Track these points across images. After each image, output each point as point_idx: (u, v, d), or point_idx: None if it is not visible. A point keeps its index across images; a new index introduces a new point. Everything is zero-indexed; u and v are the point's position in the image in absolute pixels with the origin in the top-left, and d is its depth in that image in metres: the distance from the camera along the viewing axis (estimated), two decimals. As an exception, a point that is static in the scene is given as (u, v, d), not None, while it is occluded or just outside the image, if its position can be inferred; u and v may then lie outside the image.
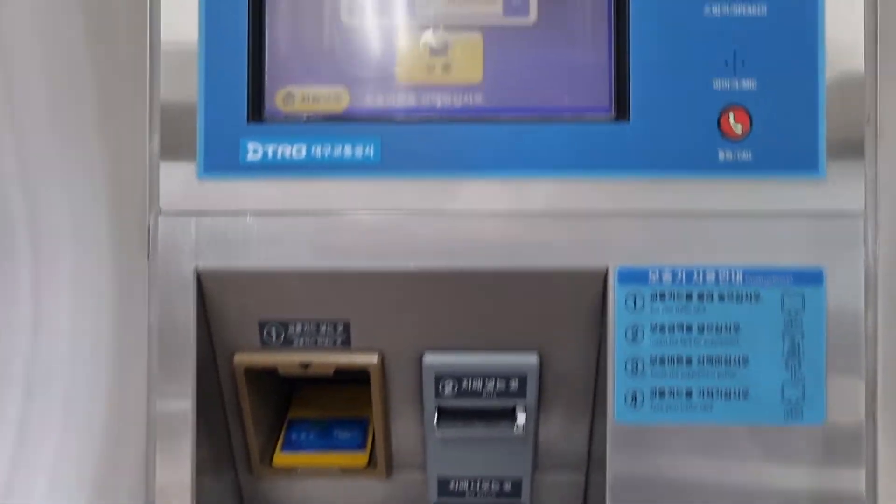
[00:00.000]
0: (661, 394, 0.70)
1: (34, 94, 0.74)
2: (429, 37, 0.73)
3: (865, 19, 0.71)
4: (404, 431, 0.81)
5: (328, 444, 0.84)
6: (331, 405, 0.88)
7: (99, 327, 0.73)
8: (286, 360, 0.76)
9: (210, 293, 0.73)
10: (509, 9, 0.73)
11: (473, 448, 0.79)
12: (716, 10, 0.71)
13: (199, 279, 0.72)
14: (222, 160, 0.72)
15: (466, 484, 0.82)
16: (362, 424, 0.85)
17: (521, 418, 0.75)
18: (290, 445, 0.84)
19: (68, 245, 0.74)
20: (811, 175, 0.71)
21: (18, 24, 0.73)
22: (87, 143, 0.74)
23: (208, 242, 0.72)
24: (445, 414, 0.76)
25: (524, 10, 0.73)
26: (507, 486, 0.82)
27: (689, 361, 0.71)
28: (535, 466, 0.82)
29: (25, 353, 0.74)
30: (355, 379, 0.80)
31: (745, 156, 0.71)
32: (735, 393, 0.70)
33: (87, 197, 0.74)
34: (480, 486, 0.82)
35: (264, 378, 0.80)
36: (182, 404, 0.73)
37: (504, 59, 0.73)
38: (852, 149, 0.70)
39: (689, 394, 0.70)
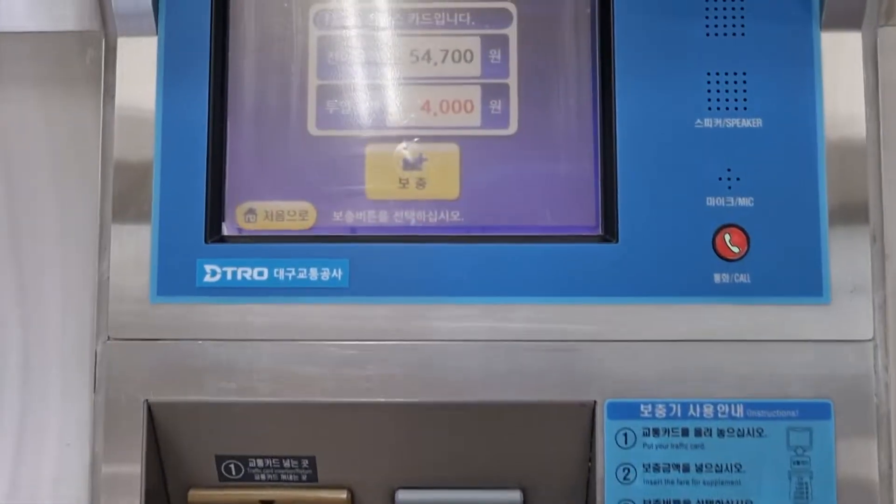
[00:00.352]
0: (657, 541, 0.64)
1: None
2: (402, 149, 0.68)
3: (868, 130, 0.67)
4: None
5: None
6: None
7: (39, 469, 0.67)
8: (247, 497, 0.70)
9: (163, 426, 0.67)
10: (488, 120, 0.68)
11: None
12: (708, 122, 0.67)
13: (150, 411, 0.66)
14: (177, 283, 0.66)
15: None
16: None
17: (501, 561, 0.69)
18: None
19: (14, 384, 0.68)
20: (815, 299, 0.65)
21: None
22: (35, 263, 0.68)
23: (161, 372, 0.66)
24: (420, 556, 0.70)
25: (504, 122, 0.68)
26: None
27: (686, 504, 0.64)
28: None
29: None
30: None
31: (743, 278, 0.65)
32: (738, 540, 0.64)
33: (36, 324, 0.68)
34: None
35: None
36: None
37: (482, 174, 0.68)
38: (858, 271, 0.65)
39: (687, 541, 0.64)
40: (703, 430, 0.65)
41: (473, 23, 0.70)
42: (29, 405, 0.67)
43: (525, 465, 0.68)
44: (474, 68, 0.69)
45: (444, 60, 0.69)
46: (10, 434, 0.67)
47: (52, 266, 0.68)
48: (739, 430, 0.65)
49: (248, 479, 0.69)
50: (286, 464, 0.68)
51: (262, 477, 0.69)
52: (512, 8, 0.69)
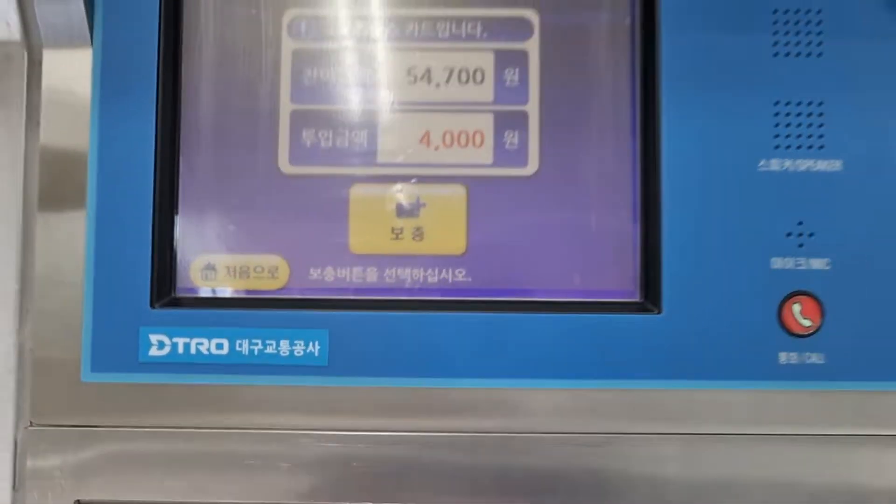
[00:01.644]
0: None
1: None
2: (396, 192, 0.55)
3: (972, 177, 0.54)
4: None
5: None
6: None
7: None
8: None
9: (98, 533, 0.54)
10: (502, 156, 0.55)
11: None
12: (776, 163, 0.54)
13: (82, 516, 0.53)
14: (116, 356, 0.54)
15: None
16: None
17: None
18: None
19: None
20: (902, 384, 0.53)
21: None
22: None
23: (92, 468, 0.53)
24: None
25: (521, 159, 0.55)
26: None
27: None
28: None
29: None
30: None
31: (816, 358, 0.53)
32: None
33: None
34: None
35: None
36: None
37: (494, 224, 0.55)
38: (956, 350, 0.53)
39: None
40: (765, 549, 0.53)
41: (485, 35, 0.56)
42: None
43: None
44: (486, 92, 0.56)
45: (448, 81, 0.56)
46: None
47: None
48: (811, 546, 0.53)
49: None
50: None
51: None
52: (533, 17, 0.56)
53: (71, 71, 0.55)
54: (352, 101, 0.56)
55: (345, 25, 0.56)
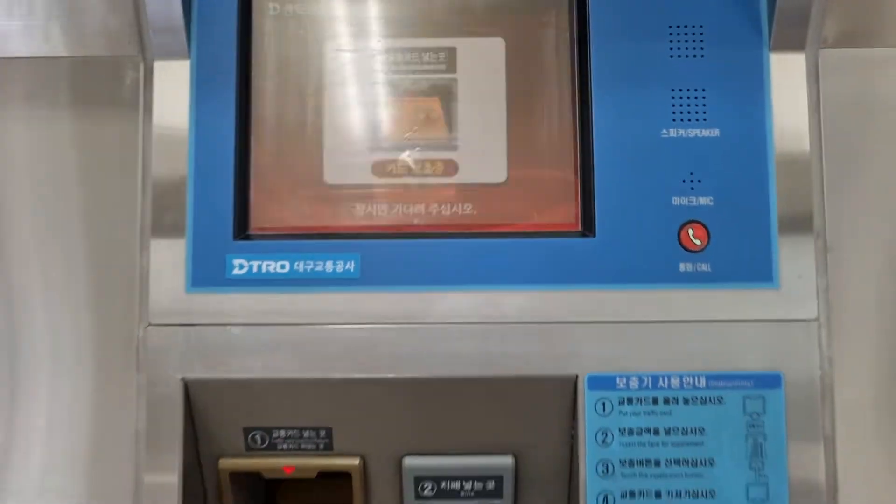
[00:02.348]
0: (632, 495, 0.74)
1: (22, 223, 0.77)
2: (406, 157, 0.78)
3: (811, 139, 0.77)
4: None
5: (311, 543, 0.86)
6: (313, 500, 0.90)
7: (77, 440, 0.76)
8: (270, 464, 0.79)
9: (196, 401, 0.76)
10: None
11: (453, 549, 0.81)
12: (672, 131, 0.77)
13: (187, 388, 0.75)
14: (209, 275, 0.76)
15: (447, 585, 0.84)
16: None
17: (497, 519, 0.78)
18: (272, 547, 0.85)
19: (46, 361, 0.76)
20: (766, 285, 0.75)
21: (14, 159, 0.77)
22: (74, 264, 0.77)
23: (195, 353, 0.75)
24: (425, 514, 0.79)
25: (498, 168, 0.78)
26: (486, 586, 0.84)
27: (657, 463, 0.74)
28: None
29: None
30: (338, 474, 0.83)
31: (704, 267, 0.75)
32: (702, 493, 0.74)
33: (70, 313, 0.77)
34: (460, 587, 0.84)
35: (248, 480, 0.82)
36: (168, 512, 0.75)
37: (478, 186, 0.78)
38: (804, 261, 0.75)
39: (658, 495, 0.74)
40: (670, 399, 0.74)
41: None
42: (72, 385, 0.76)
43: (516, 433, 0.77)
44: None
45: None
46: (45, 407, 0.76)
47: (93, 260, 0.77)
48: (702, 398, 0.74)
49: (271, 449, 0.78)
50: (305, 434, 0.78)
51: (284, 446, 0.78)
52: (499, 47, 0.80)
53: (174, 76, 0.78)
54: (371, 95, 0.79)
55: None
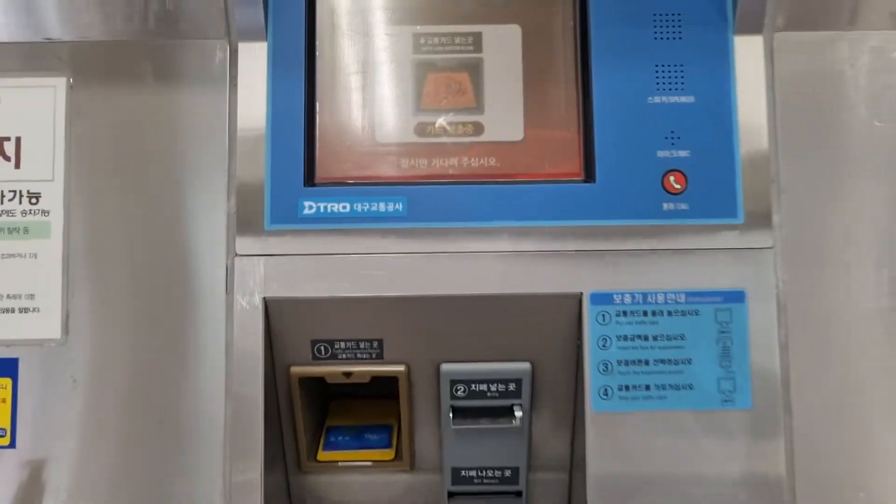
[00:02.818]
0: (626, 388, 0.92)
1: (138, 171, 0.96)
2: (442, 121, 0.97)
3: (767, 106, 0.95)
4: (424, 432, 1.01)
5: (361, 444, 1.03)
6: (360, 415, 1.08)
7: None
8: (333, 370, 0.97)
9: (273, 318, 0.94)
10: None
11: (480, 441, 0.99)
12: (657, 98, 0.95)
13: (266, 306, 0.93)
14: (284, 215, 0.94)
15: (474, 472, 1.01)
16: (388, 429, 1.05)
17: (518, 414, 0.96)
18: (329, 446, 1.03)
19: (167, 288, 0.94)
20: (733, 220, 0.94)
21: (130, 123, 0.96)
22: (178, 204, 0.95)
23: (273, 278, 0.93)
24: (458, 411, 0.97)
25: (516, 129, 0.97)
26: (508, 474, 1.01)
27: (646, 363, 0.92)
28: (530, 458, 1.02)
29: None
30: (380, 394, 1.01)
31: (683, 206, 0.94)
32: (682, 386, 0.92)
33: (174, 249, 0.95)
34: (486, 474, 1.01)
35: (311, 388, 1.00)
36: (254, 411, 0.92)
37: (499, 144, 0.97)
38: (762, 201, 0.94)
39: (647, 387, 0.92)
40: (657, 312, 0.93)
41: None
42: (182, 302, 0.94)
43: (533, 343, 0.95)
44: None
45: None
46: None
47: (192, 204, 0.95)
48: (682, 311, 0.93)
49: (332, 358, 0.96)
50: (361, 345, 0.96)
51: (344, 356, 0.96)
52: (516, 32, 0.98)
53: (255, 56, 0.96)
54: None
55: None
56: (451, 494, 1.03)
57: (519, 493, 1.03)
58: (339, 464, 1.02)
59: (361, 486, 1.05)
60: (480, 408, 0.97)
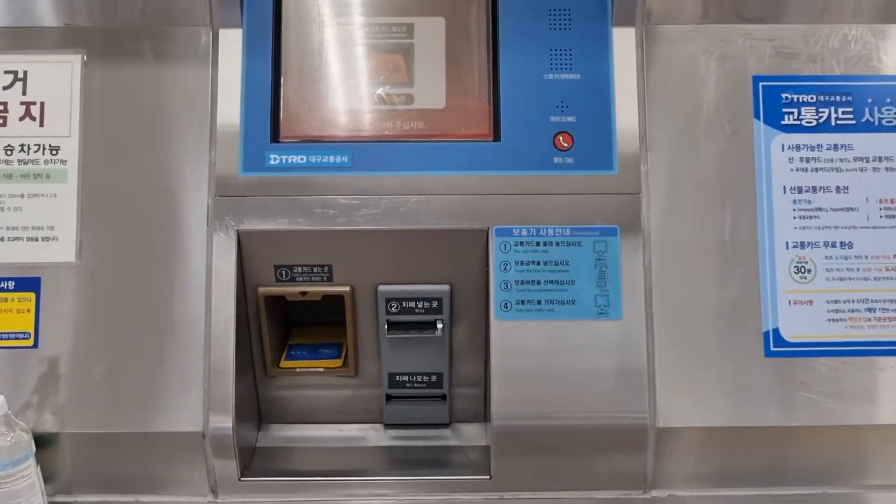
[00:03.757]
0: (522, 302, 1.16)
1: (137, 135, 1.20)
2: (380, 92, 1.22)
3: (637, 85, 1.20)
4: (366, 345, 1.25)
5: (315, 356, 1.27)
6: (316, 337, 1.31)
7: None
8: (291, 290, 1.21)
9: (244, 247, 1.18)
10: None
11: (411, 350, 1.23)
12: (550, 76, 1.20)
13: (239, 237, 1.17)
14: (254, 164, 1.18)
15: (406, 378, 1.25)
16: (339, 346, 1.28)
17: (439, 326, 1.20)
18: (290, 357, 1.27)
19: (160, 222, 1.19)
20: (609, 172, 1.18)
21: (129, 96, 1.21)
22: (171, 156, 1.20)
23: (244, 214, 1.17)
24: (392, 325, 1.21)
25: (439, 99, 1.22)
26: (434, 379, 1.25)
27: (538, 283, 1.17)
28: (452, 366, 1.26)
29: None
30: (334, 322, 1.25)
31: (570, 161, 1.19)
32: (567, 301, 1.16)
33: (166, 189, 1.19)
34: (416, 379, 1.25)
35: (275, 308, 1.24)
36: (228, 322, 1.16)
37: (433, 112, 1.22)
38: (633, 156, 1.19)
39: (539, 302, 1.16)
40: (547, 243, 1.17)
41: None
42: (172, 233, 1.18)
43: (451, 269, 1.20)
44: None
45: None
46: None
47: (181, 156, 1.19)
48: (567, 242, 1.17)
49: (291, 280, 1.20)
50: (314, 269, 1.20)
51: (300, 278, 1.20)
52: (441, 23, 1.24)
53: (232, 40, 1.21)
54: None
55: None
56: (388, 398, 1.27)
57: (444, 397, 1.27)
58: (297, 370, 1.26)
59: (315, 388, 1.28)
60: (410, 322, 1.21)
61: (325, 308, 1.24)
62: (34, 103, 1.20)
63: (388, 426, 1.28)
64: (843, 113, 1.19)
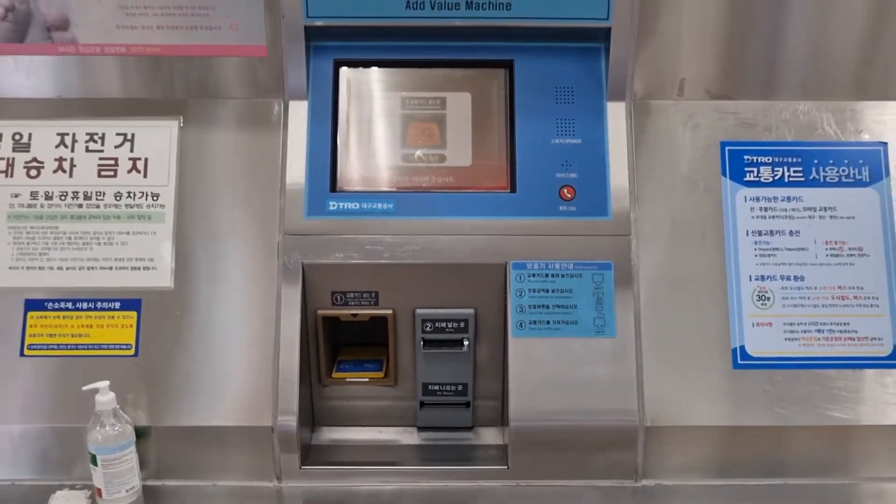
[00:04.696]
0: (534, 322, 1.42)
1: (223, 189, 1.48)
2: (419, 154, 1.50)
3: (628, 149, 1.48)
4: (404, 359, 1.50)
5: (361, 369, 1.53)
6: (359, 354, 1.57)
7: (249, 295, 1.45)
8: (345, 312, 1.47)
9: (307, 276, 1.44)
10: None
11: (441, 363, 1.49)
12: (557, 140, 1.49)
13: (303, 268, 1.44)
14: (316, 209, 1.46)
15: (437, 387, 1.50)
16: (380, 361, 1.54)
17: (466, 343, 1.46)
18: (340, 370, 1.52)
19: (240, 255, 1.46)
20: (605, 218, 1.46)
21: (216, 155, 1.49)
22: (250, 204, 1.47)
23: (308, 249, 1.44)
24: (426, 342, 1.47)
25: (467, 158, 1.50)
26: (460, 388, 1.51)
27: (547, 307, 1.43)
28: (476, 377, 1.51)
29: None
30: (376, 343, 1.51)
31: (573, 209, 1.46)
32: (571, 322, 1.42)
33: (245, 230, 1.47)
34: (445, 388, 1.51)
35: (330, 329, 1.50)
36: (294, 337, 1.42)
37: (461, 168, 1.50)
38: (624, 205, 1.46)
39: (548, 322, 1.42)
40: (554, 275, 1.44)
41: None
42: (250, 264, 1.45)
43: (476, 296, 1.46)
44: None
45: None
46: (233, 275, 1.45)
47: (258, 203, 1.47)
48: (571, 274, 1.44)
49: (345, 304, 1.46)
50: (364, 296, 1.46)
51: (352, 302, 1.46)
52: (468, 98, 1.53)
53: (299, 108, 1.50)
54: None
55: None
56: (422, 404, 1.52)
57: (468, 404, 1.52)
58: (347, 380, 1.51)
59: (359, 398, 1.54)
60: (441, 340, 1.47)
61: (368, 329, 1.50)
62: (140, 159, 1.48)
63: (420, 429, 1.53)
64: (794, 171, 1.47)
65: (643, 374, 1.41)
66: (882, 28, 1.48)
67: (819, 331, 1.42)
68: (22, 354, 1.43)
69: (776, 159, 1.48)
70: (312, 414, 1.53)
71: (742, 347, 1.42)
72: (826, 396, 1.40)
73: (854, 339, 1.42)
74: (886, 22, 1.48)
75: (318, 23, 1.47)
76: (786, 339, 1.42)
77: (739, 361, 1.42)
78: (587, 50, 1.51)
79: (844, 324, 1.42)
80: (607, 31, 1.48)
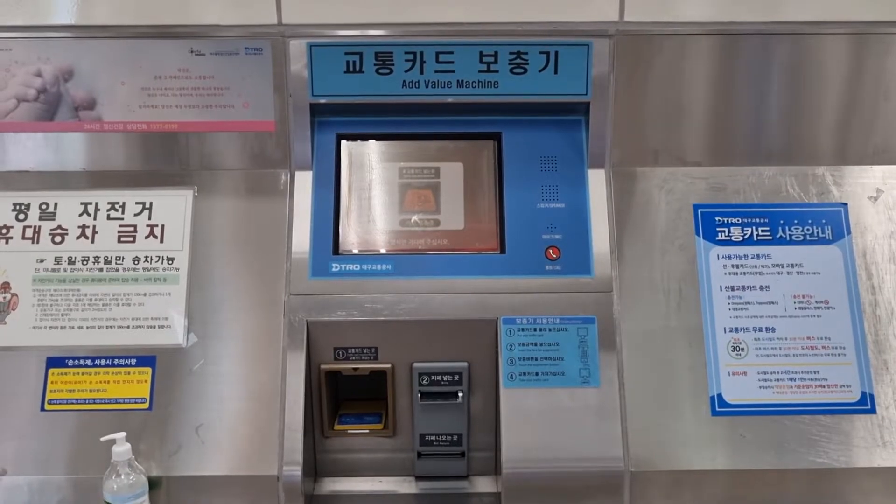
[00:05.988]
0: (524, 374, 1.52)
1: (230, 253, 1.60)
2: (415, 219, 1.62)
3: (608, 212, 1.61)
4: (402, 412, 1.59)
5: (362, 421, 1.61)
6: (359, 408, 1.66)
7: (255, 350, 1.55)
8: (346, 366, 1.57)
9: (311, 333, 1.55)
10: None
11: (437, 415, 1.57)
12: (542, 205, 1.61)
13: (308, 326, 1.54)
14: (320, 271, 1.57)
15: (434, 437, 1.59)
16: (380, 414, 1.63)
17: (460, 395, 1.55)
18: (341, 422, 1.61)
19: (248, 314, 1.57)
20: (588, 276, 1.57)
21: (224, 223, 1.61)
22: (257, 267, 1.59)
23: (312, 308, 1.55)
24: (423, 394, 1.56)
25: (459, 222, 1.63)
26: (455, 438, 1.59)
27: (536, 359, 1.52)
28: (470, 427, 1.59)
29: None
30: (375, 397, 1.60)
31: (558, 268, 1.57)
32: (558, 373, 1.52)
33: (252, 291, 1.58)
34: (441, 438, 1.59)
35: (331, 384, 1.60)
36: (298, 391, 1.52)
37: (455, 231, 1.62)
38: (606, 264, 1.57)
39: (536, 373, 1.52)
40: (542, 329, 1.54)
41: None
42: (256, 323, 1.56)
43: (469, 350, 1.55)
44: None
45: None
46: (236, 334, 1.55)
47: (264, 265, 1.58)
48: (557, 328, 1.54)
49: (346, 359, 1.56)
50: (364, 351, 1.56)
51: (353, 357, 1.56)
52: (460, 167, 1.66)
53: (305, 179, 1.63)
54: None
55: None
56: (419, 455, 1.60)
57: (463, 454, 1.60)
58: (349, 431, 1.60)
59: (359, 450, 1.62)
60: (437, 392, 1.56)
61: (368, 382, 1.59)
62: (157, 226, 1.60)
63: (418, 478, 1.61)
64: (762, 231, 1.59)
65: (627, 421, 1.50)
66: (837, 101, 1.62)
67: (791, 379, 1.52)
68: (42, 409, 1.52)
69: (745, 220, 1.60)
70: (315, 464, 1.61)
71: (720, 395, 1.51)
72: (800, 441, 1.49)
73: (824, 387, 1.51)
74: (842, 96, 1.62)
75: (322, 100, 1.61)
76: (760, 387, 1.52)
77: (717, 408, 1.51)
78: (569, 122, 1.65)
79: (814, 372, 1.52)
80: (587, 105, 1.62)
